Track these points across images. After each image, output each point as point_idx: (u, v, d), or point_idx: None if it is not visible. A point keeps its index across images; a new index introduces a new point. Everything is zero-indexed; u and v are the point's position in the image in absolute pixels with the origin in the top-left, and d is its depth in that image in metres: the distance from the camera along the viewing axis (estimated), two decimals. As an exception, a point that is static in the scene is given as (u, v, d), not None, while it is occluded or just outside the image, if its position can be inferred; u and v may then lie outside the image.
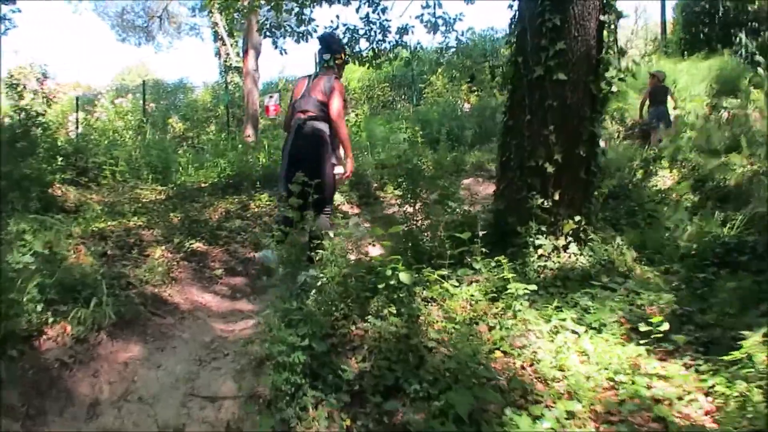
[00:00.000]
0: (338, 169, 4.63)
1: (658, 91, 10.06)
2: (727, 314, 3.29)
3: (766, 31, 14.37)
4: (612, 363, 2.84)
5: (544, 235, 3.97)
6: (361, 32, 9.17)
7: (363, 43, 9.22)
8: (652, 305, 3.49)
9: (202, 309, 3.99)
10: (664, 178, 6.64)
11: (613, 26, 3.81)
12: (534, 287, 3.29)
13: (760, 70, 13.45)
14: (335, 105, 4.45)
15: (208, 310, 4.01)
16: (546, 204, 3.92)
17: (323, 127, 4.45)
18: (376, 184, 7.80)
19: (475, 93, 15.30)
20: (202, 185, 8.23)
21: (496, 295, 3.48)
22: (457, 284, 3.45)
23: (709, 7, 14.85)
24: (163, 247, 4.75)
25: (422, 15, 9.01)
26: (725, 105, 12.64)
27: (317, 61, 4.91)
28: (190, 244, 5.03)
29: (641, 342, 3.00)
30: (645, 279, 3.91)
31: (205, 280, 4.60)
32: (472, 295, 3.37)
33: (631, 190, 6.17)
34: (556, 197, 3.92)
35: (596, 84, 3.83)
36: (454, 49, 9.91)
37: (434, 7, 8.94)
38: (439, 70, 15.50)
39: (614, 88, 3.92)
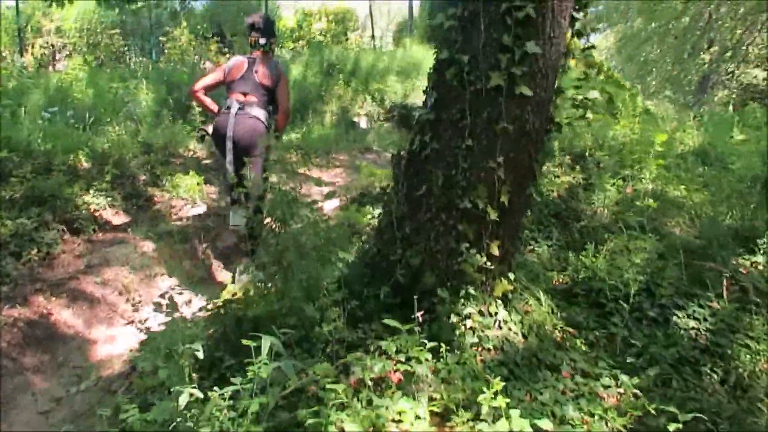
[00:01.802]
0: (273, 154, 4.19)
1: None
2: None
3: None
4: None
5: (473, 301, 2.86)
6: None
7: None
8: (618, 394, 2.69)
9: None
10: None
11: (584, 26, 2.76)
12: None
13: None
14: (282, 92, 4.40)
15: None
16: (481, 260, 2.80)
17: (263, 113, 4.32)
18: (145, 177, 5.70)
19: (227, 55, 13.27)
20: None
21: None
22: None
23: (451, -1, 15.18)
24: None
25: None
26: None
27: (251, 43, 4.48)
28: None
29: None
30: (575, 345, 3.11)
31: None
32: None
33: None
34: (494, 251, 2.81)
35: (555, 105, 2.78)
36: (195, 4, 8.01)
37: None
38: (183, 23, 13.03)
39: (588, 115, 2.91)
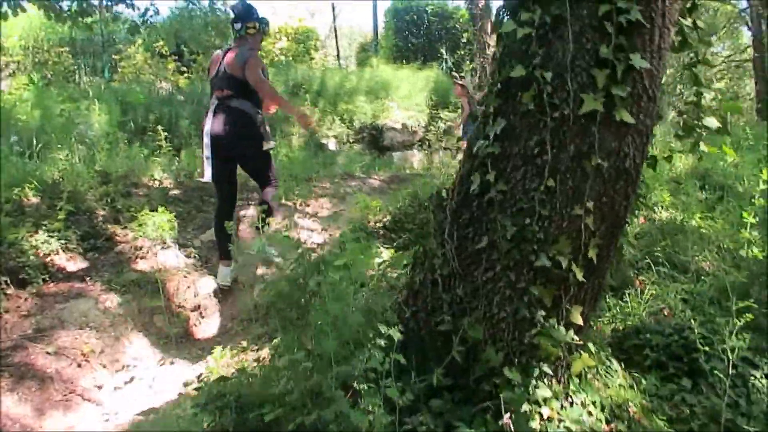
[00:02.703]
0: (268, 145, 4.14)
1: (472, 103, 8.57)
2: None
3: (462, 48, 14.90)
4: None
5: (547, 380, 2.22)
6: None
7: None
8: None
9: None
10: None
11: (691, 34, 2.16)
12: None
13: (468, 87, 13.86)
14: (251, 76, 3.91)
15: None
16: (560, 331, 2.16)
17: (242, 105, 3.97)
18: (104, 213, 4.83)
19: (185, 74, 12.38)
20: None
21: None
22: None
23: (416, 18, 14.76)
24: None
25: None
26: (442, 116, 12.63)
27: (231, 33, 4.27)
28: None
29: None
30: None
31: None
32: None
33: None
34: (576, 318, 2.18)
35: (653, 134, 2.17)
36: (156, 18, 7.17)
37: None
38: (139, 41, 12.08)
39: (704, 148, 2.30)
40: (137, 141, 9.56)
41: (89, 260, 4.26)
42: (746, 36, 24.08)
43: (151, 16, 6.27)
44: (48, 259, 4.06)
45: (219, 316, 3.99)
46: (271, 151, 4.27)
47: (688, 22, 2.11)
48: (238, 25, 4.09)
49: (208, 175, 4.00)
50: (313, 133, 4.49)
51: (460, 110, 8.70)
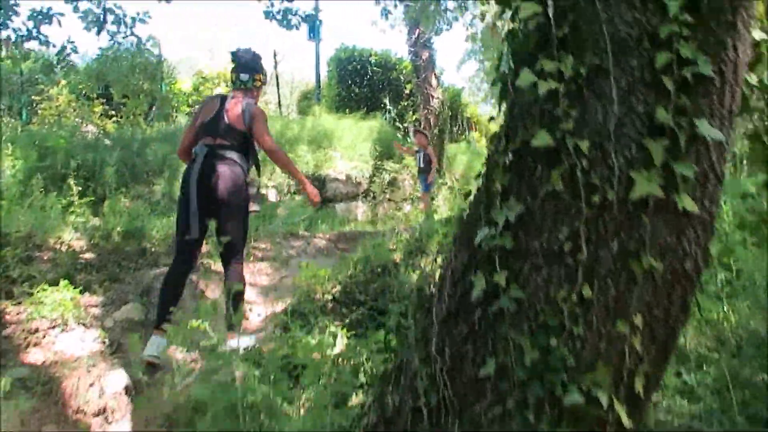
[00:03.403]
0: (254, 207, 3.66)
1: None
2: None
3: (406, 99, 14.68)
4: None
5: None
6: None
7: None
8: None
9: None
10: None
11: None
12: None
13: (410, 137, 13.55)
14: (262, 134, 3.53)
15: None
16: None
17: (236, 157, 3.51)
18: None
19: (114, 119, 11.44)
20: None
21: None
22: None
23: (359, 68, 14.46)
24: None
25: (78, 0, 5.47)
26: (386, 167, 12.17)
27: (232, 80, 3.77)
28: None
29: None
30: None
31: None
32: None
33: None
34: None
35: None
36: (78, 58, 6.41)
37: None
38: (63, 82, 11.10)
39: None
40: (55, 190, 8.59)
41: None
42: None
43: (68, 55, 5.47)
44: None
45: (129, 422, 3.17)
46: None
47: (753, 79, 1.63)
48: (245, 76, 3.70)
49: (195, 230, 3.40)
50: (314, 207, 3.81)
51: (417, 159, 8.16)
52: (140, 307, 3.93)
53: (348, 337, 3.61)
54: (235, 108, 3.57)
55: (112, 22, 5.49)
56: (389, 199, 11.62)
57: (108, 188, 9.57)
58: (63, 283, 3.75)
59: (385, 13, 7.55)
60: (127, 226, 5.45)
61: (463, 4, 7.31)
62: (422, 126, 13.26)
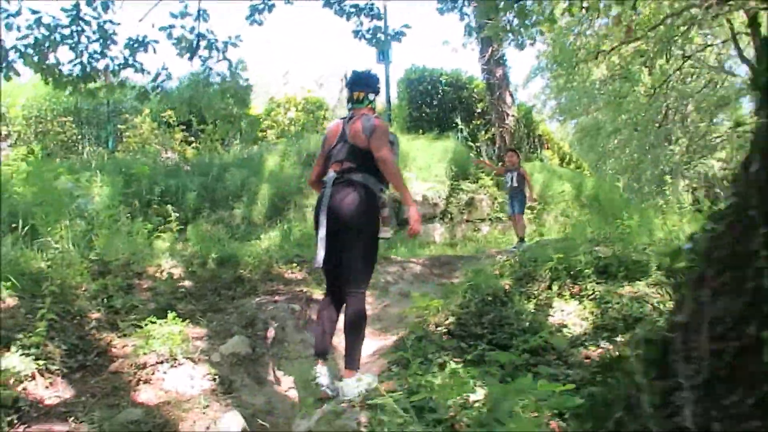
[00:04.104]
0: (385, 233, 3.39)
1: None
2: None
3: (478, 118, 14.29)
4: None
5: None
6: (64, 33, 5.10)
7: (66, 53, 5.19)
8: None
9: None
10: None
11: None
12: None
13: (483, 157, 13.12)
14: (379, 145, 3.23)
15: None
16: None
17: (365, 180, 3.27)
18: (98, 315, 3.75)
19: (193, 145, 11.59)
20: None
21: None
22: None
23: (430, 88, 14.20)
24: None
25: (171, 27, 5.40)
26: (463, 188, 11.78)
27: (349, 100, 3.56)
28: None
29: None
30: None
31: None
32: None
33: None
34: None
35: None
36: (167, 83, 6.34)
37: (199, 18, 5.41)
38: (146, 110, 11.34)
39: None
40: (140, 216, 8.65)
41: (75, 385, 3.17)
42: (745, 107, 23.91)
43: (163, 81, 5.41)
44: (21, 387, 2.98)
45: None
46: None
47: None
48: (362, 95, 3.50)
49: (320, 259, 3.21)
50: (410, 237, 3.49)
51: (508, 180, 7.62)
52: (246, 340, 3.67)
53: (473, 377, 3.23)
54: (354, 126, 3.38)
55: (205, 47, 5.39)
56: (467, 220, 11.21)
57: (190, 213, 9.64)
58: (171, 315, 3.54)
59: (470, 30, 7.20)
60: (221, 253, 5.27)
61: (548, 17, 6.88)
62: (496, 145, 12.82)
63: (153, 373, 3.28)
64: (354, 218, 3.18)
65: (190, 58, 5.40)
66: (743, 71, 21.35)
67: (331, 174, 3.34)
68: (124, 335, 3.67)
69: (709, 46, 16.99)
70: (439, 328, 3.81)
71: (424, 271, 5.61)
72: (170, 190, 9.67)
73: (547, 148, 16.81)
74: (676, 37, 15.80)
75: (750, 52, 17.35)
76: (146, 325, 3.47)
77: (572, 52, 14.94)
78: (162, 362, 3.34)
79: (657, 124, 19.65)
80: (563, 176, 13.46)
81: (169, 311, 3.72)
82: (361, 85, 3.53)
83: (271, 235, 9.18)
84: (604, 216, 12.30)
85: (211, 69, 5.52)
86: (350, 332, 3.17)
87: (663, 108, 19.42)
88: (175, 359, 3.36)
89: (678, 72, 18.18)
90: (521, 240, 7.15)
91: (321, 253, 3.17)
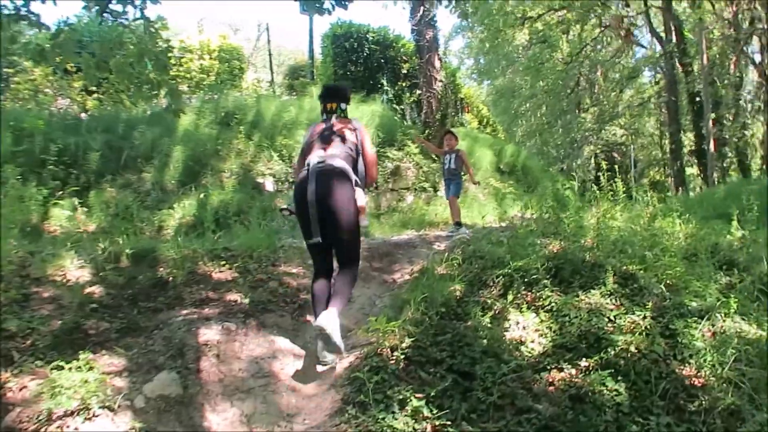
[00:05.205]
0: (362, 221, 3.78)
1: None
2: None
3: (403, 80, 13.74)
4: None
5: None
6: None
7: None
8: None
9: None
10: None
11: None
12: None
13: (406, 121, 12.63)
14: (368, 146, 3.90)
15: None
16: None
17: (346, 166, 3.60)
18: None
19: (95, 95, 10.21)
20: None
21: None
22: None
23: (356, 46, 13.40)
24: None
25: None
26: (389, 155, 11.30)
27: (329, 110, 3.92)
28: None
29: None
30: None
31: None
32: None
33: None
34: None
35: None
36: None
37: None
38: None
39: None
40: (33, 179, 7.54)
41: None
42: (646, 77, 24.89)
43: (64, 40, 4.41)
44: None
45: None
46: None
47: None
48: (344, 106, 4.01)
49: (318, 236, 3.54)
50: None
51: (446, 161, 7.24)
52: (176, 377, 3.07)
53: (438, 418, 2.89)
54: (342, 124, 3.81)
55: (117, 1, 4.43)
56: (392, 189, 10.82)
57: (89, 174, 8.55)
58: (83, 356, 2.87)
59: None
60: (136, 247, 4.52)
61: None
62: (423, 110, 12.39)
63: (62, 429, 2.64)
64: (340, 198, 3.48)
65: (99, 14, 4.43)
66: (647, 42, 22.04)
67: (314, 158, 3.53)
68: (21, 371, 2.96)
69: (625, 17, 17.28)
70: (395, 353, 3.41)
71: (363, 266, 5.16)
72: (69, 148, 8.48)
73: (468, 111, 16.63)
74: (596, 7, 15.90)
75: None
76: (52, 370, 2.79)
77: (499, 15, 14.62)
78: (72, 414, 2.70)
79: (569, 91, 20.04)
80: (484, 142, 13.31)
81: (78, 340, 3.05)
82: (332, 97, 3.95)
83: (185, 204, 8.34)
84: (526, 185, 12.36)
85: (125, 27, 4.58)
86: (344, 285, 3.59)
87: (576, 76, 19.77)
88: (89, 410, 2.73)
89: (593, 41, 18.46)
90: (457, 224, 6.85)
91: (317, 229, 3.49)
